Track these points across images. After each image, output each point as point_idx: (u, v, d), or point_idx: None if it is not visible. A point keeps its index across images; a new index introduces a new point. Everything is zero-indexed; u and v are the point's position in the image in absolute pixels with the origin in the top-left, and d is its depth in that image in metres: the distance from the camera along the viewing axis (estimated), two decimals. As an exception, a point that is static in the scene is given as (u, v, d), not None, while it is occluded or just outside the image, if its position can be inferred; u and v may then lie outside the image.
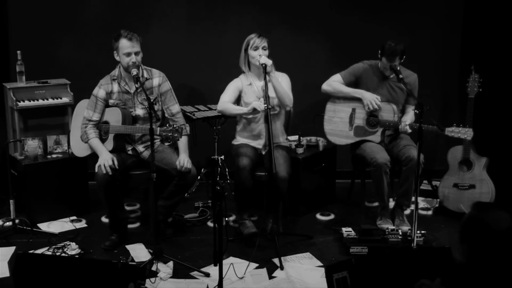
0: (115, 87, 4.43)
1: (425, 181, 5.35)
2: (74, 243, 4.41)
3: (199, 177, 5.32)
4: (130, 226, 4.70)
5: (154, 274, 3.96)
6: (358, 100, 4.67)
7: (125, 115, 4.38)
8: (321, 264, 4.17)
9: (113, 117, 4.41)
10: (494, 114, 5.38)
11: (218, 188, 3.36)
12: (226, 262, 4.00)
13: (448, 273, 2.55)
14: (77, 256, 4.23)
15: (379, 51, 4.58)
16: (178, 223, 4.76)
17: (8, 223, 4.64)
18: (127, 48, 4.27)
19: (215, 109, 5.21)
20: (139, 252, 4.32)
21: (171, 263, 4.11)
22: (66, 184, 4.87)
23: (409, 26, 5.55)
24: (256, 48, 4.42)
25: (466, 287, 2.32)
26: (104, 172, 4.20)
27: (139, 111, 4.43)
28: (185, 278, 3.98)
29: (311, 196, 5.02)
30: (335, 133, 4.81)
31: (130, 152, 4.51)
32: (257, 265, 4.14)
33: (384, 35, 4.94)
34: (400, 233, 4.30)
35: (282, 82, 4.51)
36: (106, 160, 4.23)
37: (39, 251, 4.27)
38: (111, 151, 4.35)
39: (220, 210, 3.35)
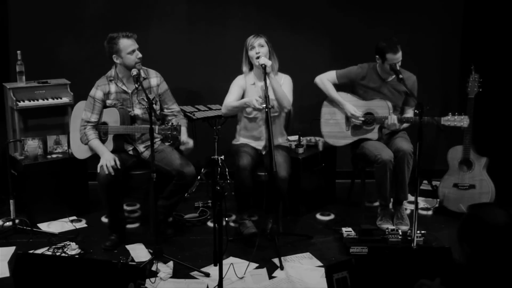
0: (113, 88, 4.43)
1: (425, 181, 5.35)
2: (74, 243, 4.41)
3: (199, 177, 5.32)
4: (130, 226, 4.70)
5: (154, 274, 3.96)
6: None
7: (123, 115, 4.38)
8: (321, 264, 4.17)
9: (111, 117, 4.40)
10: (494, 114, 5.38)
11: (218, 188, 3.36)
12: (226, 262, 4.00)
13: (448, 273, 2.55)
14: (77, 256, 4.23)
15: (377, 54, 4.58)
16: (178, 223, 4.76)
17: (8, 223, 4.64)
18: (130, 46, 4.28)
19: (215, 109, 5.23)
20: (139, 252, 4.32)
21: (171, 263, 4.11)
22: (66, 184, 4.87)
23: (409, 26, 5.55)
24: (252, 47, 4.42)
25: (466, 287, 2.33)
26: (107, 172, 4.20)
27: (138, 111, 4.43)
28: (185, 278, 3.98)
29: (311, 196, 5.02)
30: (333, 135, 4.83)
31: (131, 152, 4.51)
32: (257, 265, 4.14)
33: (384, 35, 4.93)
34: (400, 233, 4.30)
35: (284, 84, 4.51)
36: (108, 160, 4.23)
37: (39, 251, 4.27)
38: (111, 152, 4.35)
39: (220, 210, 3.35)
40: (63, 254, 4.24)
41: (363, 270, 2.91)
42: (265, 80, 4.22)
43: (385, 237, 4.29)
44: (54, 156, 4.92)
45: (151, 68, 4.53)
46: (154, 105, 4.25)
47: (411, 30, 5.55)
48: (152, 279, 3.89)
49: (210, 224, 4.78)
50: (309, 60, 5.57)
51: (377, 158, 4.53)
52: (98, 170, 4.26)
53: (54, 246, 4.35)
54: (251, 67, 4.55)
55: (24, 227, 4.62)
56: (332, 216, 4.98)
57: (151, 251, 4.19)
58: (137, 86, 4.34)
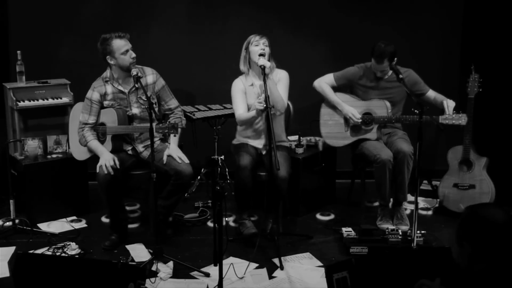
0: (109, 89, 4.43)
1: (425, 181, 5.35)
2: (74, 243, 4.41)
3: (199, 177, 5.32)
4: (130, 226, 4.69)
5: (154, 274, 3.96)
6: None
7: (121, 115, 4.38)
8: (321, 264, 4.17)
9: (109, 118, 4.40)
10: (494, 114, 5.38)
11: (218, 188, 3.36)
12: (226, 262, 4.00)
13: (448, 273, 2.55)
14: (77, 256, 4.23)
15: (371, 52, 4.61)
16: (178, 223, 4.76)
17: (8, 223, 4.64)
18: (124, 47, 4.28)
19: (215, 109, 5.23)
20: (139, 252, 4.32)
21: (171, 263, 4.11)
22: (66, 184, 4.87)
23: (409, 26, 5.55)
24: (258, 44, 4.42)
25: (466, 287, 2.33)
26: (106, 172, 4.20)
27: (135, 110, 4.43)
28: (185, 278, 3.98)
29: (311, 196, 5.02)
30: (332, 135, 4.84)
31: (130, 152, 4.51)
32: (257, 265, 4.14)
33: (384, 35, 4.94)
34: (400, 233, 4.30)
35: (280, 80, 4.51)
36: (107, 160, 4.23)
37: (39, 251, 4.28)
38: (110, 152, 4.35)
39: (220, 210, 3.35)
40: (63, 254, 4.24)
41: (363, 270, 2.91)
42: (264, 81, 4.22)
43: (385, 237, 4.29)
44: (54, 156, 4.92)
45: (151, 68, 4.53)
46: (155, 105, 4.26)
47: (411, 30, 5.55)
48: (152, 279, 3.89)
49: (210, 224, 4.78)
50: (309, 60, 5.57)
51: (376, 158, 4.54)
52: (98, 170, 4.26)
53: (54, 246, 4.36)
54: (248, 66, 4.53)
55: (24, 227, 4.61)
56: (332, 216, 4.98)
57: (151, 251, 4.20)
58: (137, 86, 4.34)
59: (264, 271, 4.08)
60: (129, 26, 4.90)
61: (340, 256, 4.23)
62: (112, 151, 4.36)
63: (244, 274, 4.01)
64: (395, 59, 4.55)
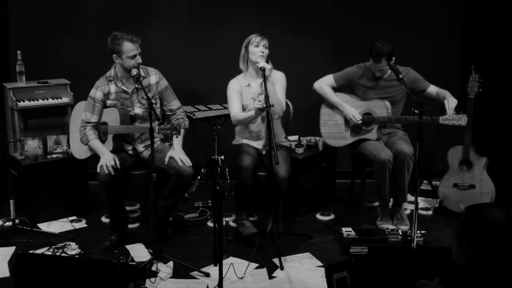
0: (112, 88, 4.43)
1: (425, 181, 5.35)
2: (74, 243, 4.41)
3: (199, 177, 5.32)
4: (130, 226, 4.69)
5: (154, 274, 3.96)
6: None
7: (123, 115, 4.38)
8: (321, 264, 4.17)
9: (111, 117, 4.41)
10: (494, 114, 5.38)
11: (218, 188, 3.36)
12: (226, 262, 4.00)
13: (448, 273, 2.55)
14: (77, 256, 4.24)
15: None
16: (178, 223, 4.76)
17: (8, 223, 4.64)
18: (133, 51, 4.27)
19: (215, 109, 5.23)
20: (139, 252, 4.32)
21: (171, 263, 4.11)
22: (66, 184, 4.88)
23: (409, 26, 5.55)
24: (258, 45, 4.41)
25: (465, 287, 2.33)
26: (106, 172, 4.20)
27: (138, 110, 4.43)
28: (185, 278, 3.98)
29: (311, 196, 5.02)
30: (332, 136, 4.84)
31: (130, 152, 4.51)
32: (257, 265, 4.14)
33: (384, 36, 4.94)
34: (400, 233, 4.30)
35: (277, 81, 4.51)
36: (108, 160, 4.23)
37: (39, 251, 4.28)
38: (111, 152, 4.35)
39: (220, 210, 3.35)
40: (63, 254, 4.24)
41: (363, 270, 2.91)
42: (264, 82, 4.22)
43: (385, 237, 4.29)
44: (54, 156, 4.92)
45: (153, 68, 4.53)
46: (154, 105, 4.26)
47: (411, 30, 5.55)
48: (152, 279, 3.89)
49: (210, 224, 4.78)
50: (308, 60, 5.57)
51: (376, 158, 4.54)
52: (98, 170, 4.26)
53: (54, 246, 4.36)
54: (247, 65, 4.53)
55: (24, 227, 4.62)
56: (332, 216, 4.98)
57: (151, 251, 4.19)
58: (137, 86, 4.34)
59: (264, 271, 4.08)
60: (129, 26, 4.90)
61: (340, 256, 4.23)
62: (113, 151, 4.36)
63: (244, 274, 4.01)
64: (393, 58, 4.55)
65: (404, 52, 5.03)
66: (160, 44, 5.47)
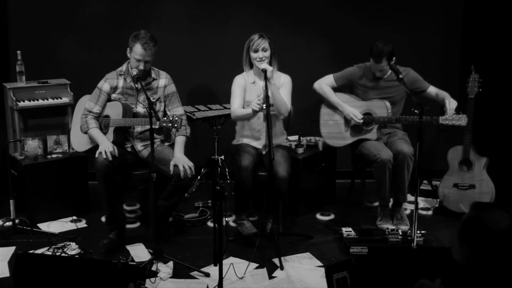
0: (121, 83, 4.44)
1: (425, 181, 5.35)
2: (74, 243, 4.41)
3: (199, 177, 5.32)
4: (130, 226, 4.70)
5: (154, 274, 3.96)
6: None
7: (126, 109, 4.39)
8: (321, 264, 4.17)
9: (114, 110, 4.41)
10: (494, 114, 5.38)
11: (218, 188, 3.36)
12: (226, 262, 4.00)
13: (448, 273, 2.55)
14: (77, 256, 4.23)
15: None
16: (178, 223, 4.76)
17: (8, 223, 4.64)
18: (139, 56, 4.29)
19: (215, 109, 5.23)
20: (139, 252, 4.32)
21: (171, 263, 4.11)
22: (66, 184, 4.88)
23: (409, 26, 5.56)
24: (256, 50, 4.42)
25: (466, 287, 2.32)
26: (104, 157, 4.19)
27: (140, 109, 4.44)
28: (185, 278, 3.98)
29: (311, 196, 5.02)
30: (332, 136, 4.84)
31: (128, 149, 4.51)
32: (257, 265, 4.14)
33: (384, 35, 4.94)
34: (400, 233, 4.30)
35: (283, 84, 4.52)
36: (107, 147, 4.23)
37: (39, 251, 4.27)
38: None
39: (220, 210, 3.35)
40: (63, 254, 4.24)
41: (363, 270, 2.91)
42: (266, 84, 4.22)
43: (385, 237, 4.29)
44: (54, 156, 4.92)
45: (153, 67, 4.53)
46: (155, 106, 4.26)
47: (411, 30, 5.55)
48: (152, 279, 3.89)
49: (210, 224, 4.78)
50: (309, 60, 5.57)
51: (376, 157, 4.54)
52: (97, 156, 4.25)
53: (54, 246, 4.36)
54: (251, 65, 4.54)
55: (24, 227, 4.62)
56: (332, 216, 4.98)
57: (151, 251, 4.19)
58: (136, 86, 4.35)
59: (264, 271, 4.08)
60: (129, 26, 4.90)
61: (340, 256, 4.23)
62: (112, 143, 4.35)
63: (244, 274, 4.01)
64: (394, 58, 4.56)
65: (404, 52, 5.02)
66: (160, 44, 5.44)
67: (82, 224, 4.80)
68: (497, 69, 5.30)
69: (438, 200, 5.03)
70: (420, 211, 4.90)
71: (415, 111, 4.08)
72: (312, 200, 5.04)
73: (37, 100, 4.90)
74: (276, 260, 4.17)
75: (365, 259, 3.62)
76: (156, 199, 4.13)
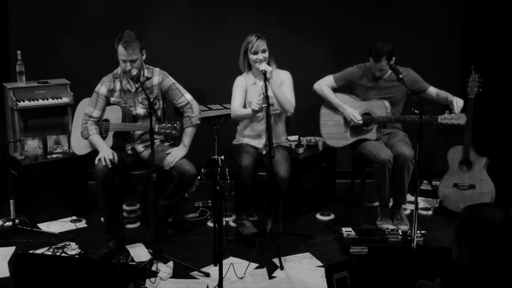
0: (117, 85, 4.44)
1: (425, 181, 5.35)
2: (74, 243, 4.41)
3: (199, 177, 5.32)
4: (130, 226, 4.70)
5: (154, 274, 3.96)
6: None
7: (125, 113, 4.39)
8: (321, 264, 4.17)
9: (114, 115, 4.42)
10: (494, 114, 5.38)
11: (218, 188, 3.36)
12: (226, 262, 4.00)
13: (448, 273, 2.55)
14: (77, 256, 4.23)
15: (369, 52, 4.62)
16: (178, 223, 4.76)
17: (8, 223, 4.64)
18: (122, 56, 4.28)
19: (215, 109, 5.23)
20: (139, 252, 4.32)
21: (171, 263, 4.11)
22: (66, 184, 4.88)
23: (409, 26, 5.56)
24: (256, 53, 4.42)
25: (466, 287, 2.33)
26: (104, 164, 4.19)
27: (140, 110, 4.44)
28: (185, 278, 3.98)
29: (311, 196, 5.02)
30: (332, 136, 4.84)
31: (129, 152, 4.51)
32: (257, 265, 4.14)
33: (384, 35, 4.94)
34: (400, 233, 4.30)
35: (284, 81, 4.52)
36: (107, 153, 4.23)
37: (39, 251, 4.27)
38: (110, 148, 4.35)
39: (220, 210, 3.35)
40: (63, 254, 4.24)
41: (363, 270, 2.91)
42: (265, 85, 4.22)
43: (385, 237, 4.29)
44: (54, 156, 4.92)
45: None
46: (154, 105, 4.26)
47: (411, 30, 5.55)
48: (152, 279, 3.89)
49: (210, 224, 4.78)
50: (308, 60, 5.57)
51: (376, 157, 4.54)
52: (96, 162, 4.25)
53: (54, 246, 4.36)
54: (249, 66, 4.54)
55: (24, 227, 4.62)
56: (332, 216, 4.98)
57: (151, 251, 4.19)
58: (136, 86, 4.35)
59: (264, 271, 4.08)
60: (129, 26, 4.89)
61: (340, 256, 4.23)
62: (112, 148, 4.35)
63: (244, 274, 4.01)
64: (393, 58, 4.56)
65: (404, 52, 5.03)
66: (160, 44, 5.46)
67: (82, 224, 4.80)
68: (497, 69, 5.30)
69: (438, 200, 5.03)
70: (420, 211, 4.90)
71: (415, 111, 4.09)
72: (312, 200, 5.04)
73: (37, 100, 4.90)
74: (276, 260, 4.17)
75: (365, 259, 3.63)
76: (156, 199, 4.13)
